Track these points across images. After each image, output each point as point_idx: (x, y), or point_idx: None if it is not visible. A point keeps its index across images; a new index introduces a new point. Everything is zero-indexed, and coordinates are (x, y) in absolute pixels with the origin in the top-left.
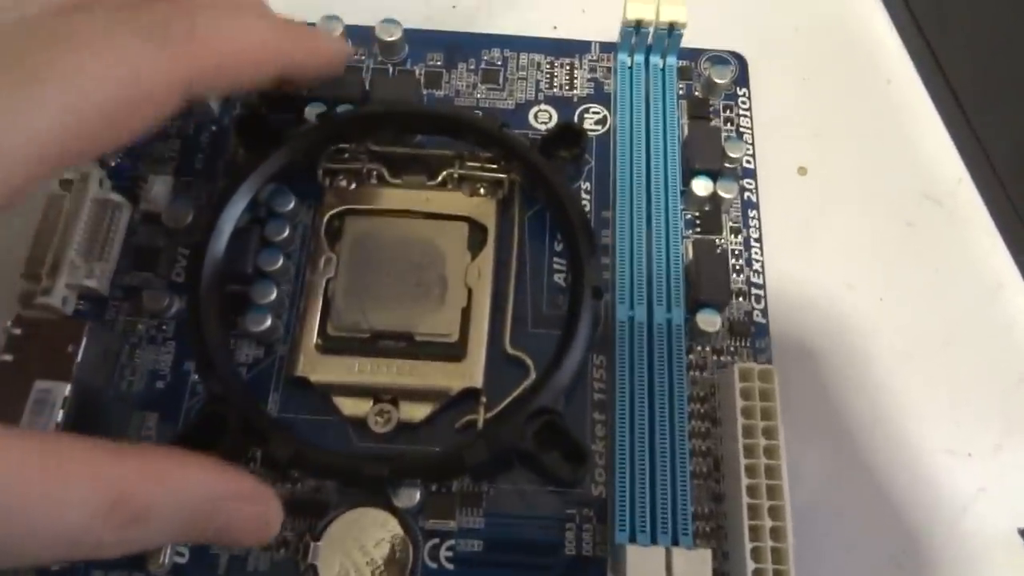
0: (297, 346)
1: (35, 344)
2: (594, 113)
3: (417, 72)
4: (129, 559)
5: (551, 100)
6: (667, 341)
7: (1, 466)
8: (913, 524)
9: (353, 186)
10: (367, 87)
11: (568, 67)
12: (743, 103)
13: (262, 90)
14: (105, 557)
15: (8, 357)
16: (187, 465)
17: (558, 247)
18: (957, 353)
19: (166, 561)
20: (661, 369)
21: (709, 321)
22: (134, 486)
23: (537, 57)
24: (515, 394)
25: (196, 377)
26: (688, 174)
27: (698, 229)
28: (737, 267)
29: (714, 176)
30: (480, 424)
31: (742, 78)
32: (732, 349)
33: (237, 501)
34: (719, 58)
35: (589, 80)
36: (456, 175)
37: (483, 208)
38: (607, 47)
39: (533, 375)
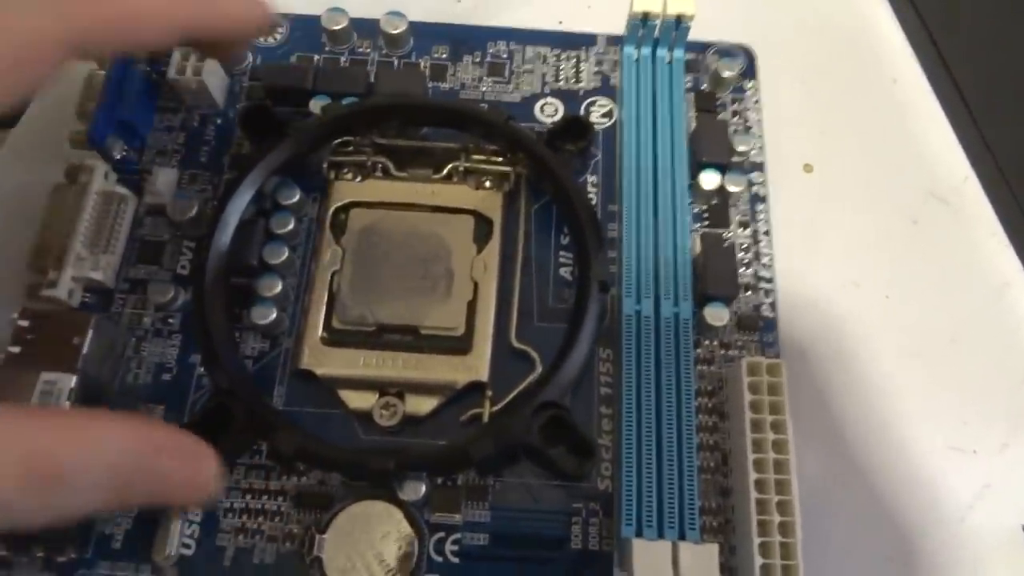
0: (302, 339)
1: (41, 336)
2: (601, 106)
3: (422, 65)
4: (134, 551)
5: (557, 93)
6: (674, 335)
7: None
8: (918, 520)
9: (358, 179)
10: (372, 80)
11: (574, 60)
12: (751, 96)
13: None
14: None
15: (15, 349)
16: (105, 422)
17: (564, 240)
18: (963, 351)
19: (172, 552)
20: (668, 363)
21: (717, 315)
22: (46, 445)
23: (543, 50)
24: (521, 388)
25: (202, 370)
26: (695, 167)
27: (706, 222)
28: (745, 261)
29: (722, 169)
30: (486, 418)
31: (750, 71)
32: (740, 343)
33: (162, 457)
34: (727, 51)
35: (595, 73)
36: (462, 168)
37: (489, 201)
38: (614, 40)
39: (539, 369)
